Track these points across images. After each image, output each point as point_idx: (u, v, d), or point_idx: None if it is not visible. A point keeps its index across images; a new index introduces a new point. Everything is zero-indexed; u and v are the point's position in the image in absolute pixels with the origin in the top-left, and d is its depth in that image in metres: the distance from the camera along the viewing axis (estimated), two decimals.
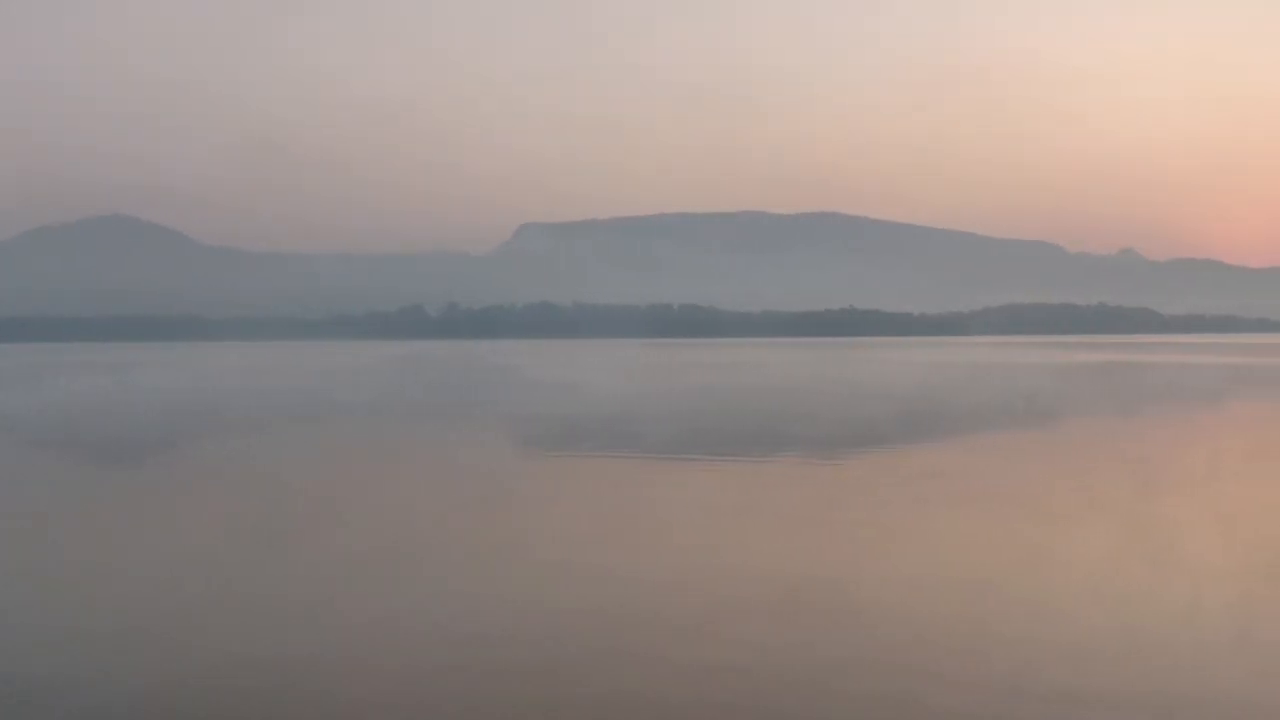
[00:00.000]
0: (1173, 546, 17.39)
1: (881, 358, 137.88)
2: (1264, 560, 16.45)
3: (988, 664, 11.70)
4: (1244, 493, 23.71)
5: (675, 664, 11.78)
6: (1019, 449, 34.44)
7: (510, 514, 21.70)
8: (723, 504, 22.41)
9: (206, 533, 19.62)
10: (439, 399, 63.17)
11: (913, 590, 14.70)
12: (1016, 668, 11.53)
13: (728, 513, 21.25)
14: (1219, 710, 10.26)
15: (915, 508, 21.47)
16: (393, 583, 15.55)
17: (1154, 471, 27.93)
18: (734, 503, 22.57)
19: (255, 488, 26.09)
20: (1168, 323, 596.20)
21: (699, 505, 22.43)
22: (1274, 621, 13.24)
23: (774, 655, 12.05)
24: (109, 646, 12.74)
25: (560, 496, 24.28)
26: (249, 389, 74.80)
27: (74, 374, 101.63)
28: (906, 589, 14.76)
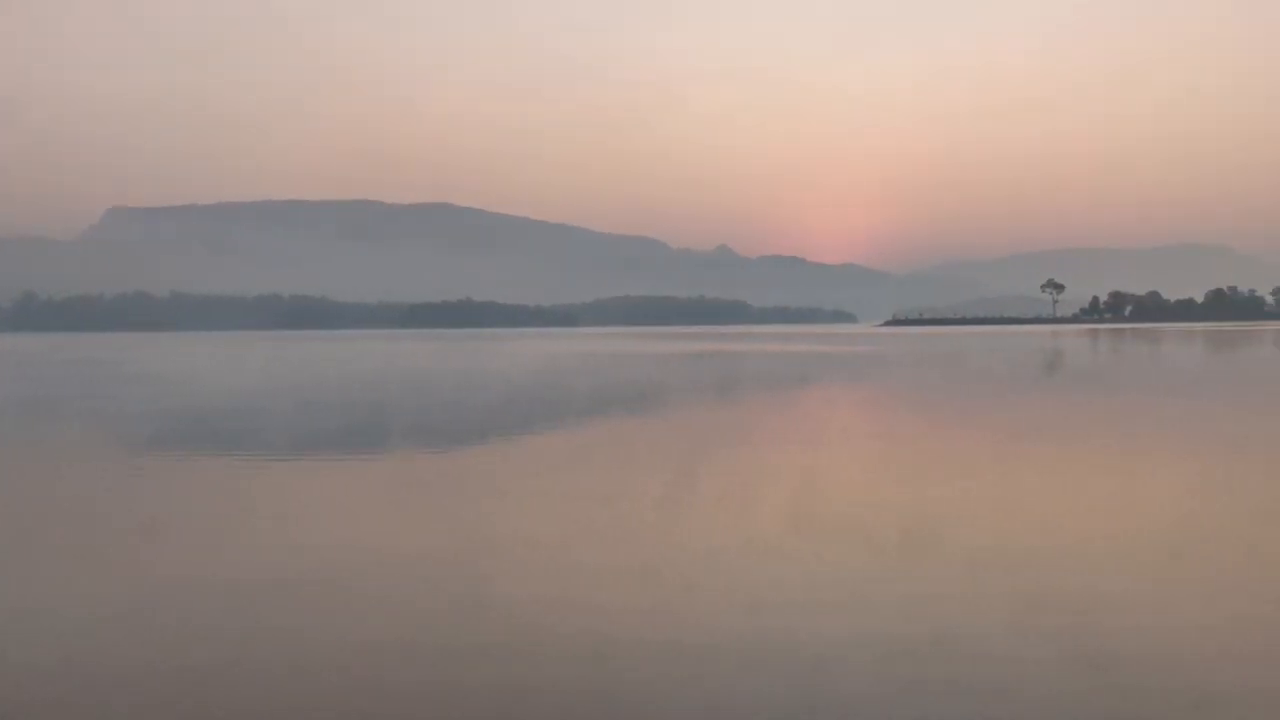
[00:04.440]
0: (757, 496, 18.88)
1: (500, 349, 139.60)
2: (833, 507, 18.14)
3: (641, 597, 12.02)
4: (825, 457, 26.30)
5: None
6: (628, 428, 36.16)
7: (114, 517, 19.66)
8: (357, 494, 21.58)
9: None
10: (11, 396, 56.53)
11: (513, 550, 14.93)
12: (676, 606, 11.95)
13: (361, 503, 20.47)
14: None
15: (543, 481, 21.84)
16: None
17: (741, 440, 30.81)
18: (368, 493, 21.78)
19: None
20: (758, 314, 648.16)
21: (327, 499, 21.43)
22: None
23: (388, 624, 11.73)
24: None
25: (166, 498, 22.34)
26: None
27: None
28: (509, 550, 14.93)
